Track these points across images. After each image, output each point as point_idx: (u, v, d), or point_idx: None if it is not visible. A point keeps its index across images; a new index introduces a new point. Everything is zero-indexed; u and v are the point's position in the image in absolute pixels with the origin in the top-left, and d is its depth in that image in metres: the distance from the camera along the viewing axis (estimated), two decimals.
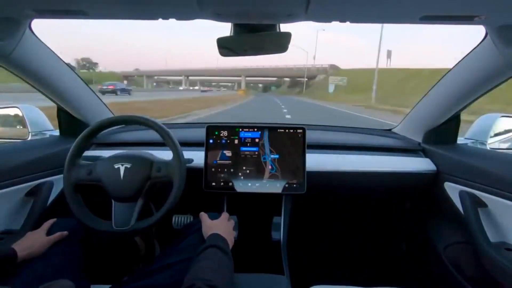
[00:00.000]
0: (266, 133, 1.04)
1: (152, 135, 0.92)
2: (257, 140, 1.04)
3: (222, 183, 1.02)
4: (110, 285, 0.73)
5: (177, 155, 0.85)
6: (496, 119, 1.20)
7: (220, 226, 0.78)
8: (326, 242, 1.51)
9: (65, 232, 0.78)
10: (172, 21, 0.64)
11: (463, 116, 1.07)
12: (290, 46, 0.76)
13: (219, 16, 0.63)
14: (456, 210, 0.97)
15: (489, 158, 0.95)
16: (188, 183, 0.86)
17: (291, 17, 0.63)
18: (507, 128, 1.25)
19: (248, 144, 1.03)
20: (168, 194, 0.84)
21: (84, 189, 0.86)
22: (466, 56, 0.88)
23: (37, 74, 0.91)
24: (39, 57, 0.88)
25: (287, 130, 1.03)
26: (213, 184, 1.02)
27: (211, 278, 0.55)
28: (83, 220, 0.82)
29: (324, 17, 0.63)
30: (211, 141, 1.03)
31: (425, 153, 1.15)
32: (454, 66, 0.94)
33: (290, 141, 1.03)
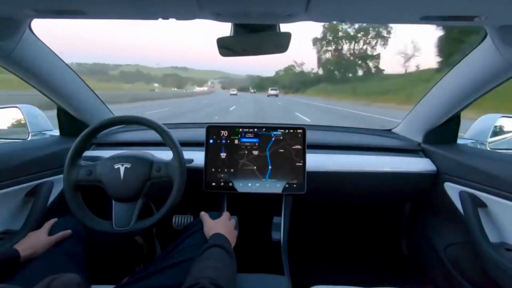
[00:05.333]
0: (266, 133, 1.04)
1: (152, 135, 0.92)
2: (257, 140, 1.04)
3: (222, 183, 1.02)
4: (111, 286, 0.73)
5: (177, 155, 0.85)
6: (496, 119, 1.20)
7: (222, 225, 0.78)
8: (326, 242, 1.51)
9: (68, 231, 0.78)
10: (172, 21, 0.64)
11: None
12: None
13: (219, 16, 0.63)
14: (456, 210, 0.97)
15: (489, 158, 0.94)
16: (188, 183, 0.85)
17: (291, 17, 0.63)
18: (507, 128, 1.25)
19: (248, 144, 1.03)
20: (169, 194, 0.84)
21: (84, 189, 0.86)
22: (466, 56, 0.88)
23: (37, 74, 0.91)
24: (39, 57, 0.88)
25: (287, 130, 1.03)
26: (213, 184, 1.02)
27: (216, 277, 0.55)
28: (83, 221, 0.82)
29: (324, 17, 0.63)
30: (211, 141, 1.03)
31: (425, 154, 1.15)
32: (454, 66, 0.94)
33: (290, 141, 1.03)
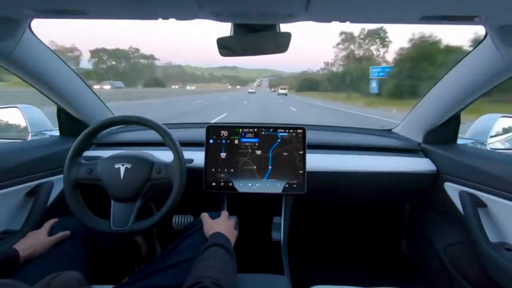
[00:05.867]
0: (266, 133, 1.04)
1: (152, 135, 0.92)
2: (257, 140, 1.04)
3: (222, 183, 1.02)
4: (111, 286, 0.73)
5: (177, 155, 0.85)
6: (496, 119, 1.20)
7: (222, 224, 0.78)
8: (326, 242, 1.51)
9: (67, 232, 0.78)
10: (172, 21, 0.64)
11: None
12: None
13: (219, 16, 0.63)
14: (456, 210, 0.97)
15: (489, 158, 0.95)
16: (188, 183, 0.85)
17: (291, 17, 0.63)
18: (507, 128, 1.25)
19: (248, 144, 1.03)
20: (169, 195, 0.84)
21: (83, 188, 0.86)
22: (466, 56, 0.88)
23: (37, 74, 0.91)
24: (39, 57, 0.88)
25: (287, 130, 1.03)
26: (213, 184, 1.02)
27: (218, 277, 0.55)
28: (81, 219, 0.82)
29: (324, 17, 0.63)
30: (211, 141, 1.03)
31: (425, 153, 1.15)
32: (454, 66, 0.94)
33: (290, 141, 1.03)
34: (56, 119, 1.16)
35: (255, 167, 1.02)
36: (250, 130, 1.04)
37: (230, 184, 1.02)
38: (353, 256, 1.46)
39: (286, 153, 1.02)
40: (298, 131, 1.03)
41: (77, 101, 1.09)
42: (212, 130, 1.04)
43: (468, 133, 1.24)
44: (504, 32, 0.68)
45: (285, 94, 35.56)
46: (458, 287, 0.96)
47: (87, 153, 1.09)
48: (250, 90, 48.43)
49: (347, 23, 0.65)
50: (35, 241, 0.73)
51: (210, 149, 1.03)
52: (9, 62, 0.81)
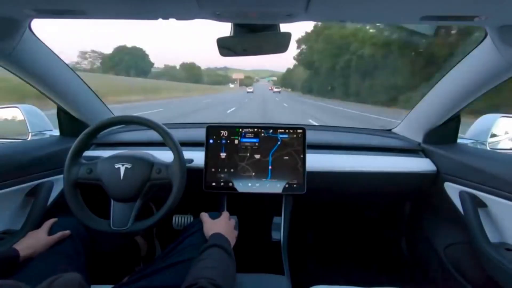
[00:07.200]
0: (266, 133, 1.04)
1: (152, 135, 0.92)
2: (257, 140, 1.04)
3: (222, 183, 1.02)
4: (110, 285, 0.73)
5: (177, 155, 0.85)
6: (496, 119, 1.20)
7: (222, 225, 0.78)
8: (326, 242, 1.51)
9: (67, 232, 0.78)
10: (172, 21, 0.65)
11: None
12: None
13: (219, 16, 0.63)
14: (456, 210, 0.97)
15: (489, 158, 0.95)
16: (188, 183, 0.85)
17: (291, 17, 0.63)
18: (507, 128, 1.25)
19: (248, 144, 1.03)
20: (169, 195, 0.84)
21: (83, 188, 0.86)
22: (466, 56, 0.88)
23: (37, 74, 0.91)
24: (39, 57, 0.88)
25: (287, 131, 1.03)
26: (213, 184, 1.02)
27: (215, 277, 0.55)
28: (81, 219, 0.82)
29: (324, 17, 0.63)
30: (211, 141, 1.03)
31: (425, 153, 1.15)
32: (454, 66, 0.94)
33: (291, 144, 1.03)
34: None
35: (253, 173, 1.02)
36: (250, 130, 1.04)
37: (230, 184, 1.02)
38: (353, 256, 1.46)
39: (286, 157, 1.02)
40: (298, 131, 1.03)
41: (77, 101, 1.09)
42: (212, 130, 1.04)
43: (468, 133, 1.24)
44: (504, 32, 0.68)
45: (279, 92, 47.79)
46: (458, 287, 0.96)
47: (87, 153, 1.08)
48: (249, 90, 47.81)
49: (347, 23, 0.65)
50: (35, 241, 0.73)
51: (210, 149, 1.03)
52: (9, 62, 0.81)
